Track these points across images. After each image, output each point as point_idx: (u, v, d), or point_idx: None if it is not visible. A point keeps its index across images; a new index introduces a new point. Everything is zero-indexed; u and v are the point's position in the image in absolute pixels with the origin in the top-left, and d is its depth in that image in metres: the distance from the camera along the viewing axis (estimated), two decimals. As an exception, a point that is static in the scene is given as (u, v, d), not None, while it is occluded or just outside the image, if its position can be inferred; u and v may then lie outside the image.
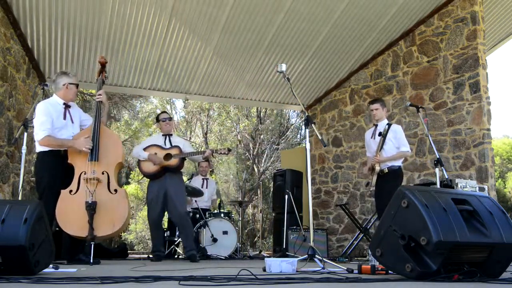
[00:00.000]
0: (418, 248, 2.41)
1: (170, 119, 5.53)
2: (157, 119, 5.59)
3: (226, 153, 5.35)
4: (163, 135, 5.43)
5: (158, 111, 17.54)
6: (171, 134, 5.47)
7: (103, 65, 4.66)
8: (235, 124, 16.42)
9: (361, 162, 5.75)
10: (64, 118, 4.38)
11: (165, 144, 5.33)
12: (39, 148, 4.31)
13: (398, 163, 5.08)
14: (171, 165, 5.20)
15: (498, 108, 42.05)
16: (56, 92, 4.43)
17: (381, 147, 5.03)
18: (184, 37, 6.83)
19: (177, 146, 5.30)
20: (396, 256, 2.50)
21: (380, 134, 5.03)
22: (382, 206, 4.97)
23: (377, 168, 5.00)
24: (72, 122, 4.45)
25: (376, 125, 5.26)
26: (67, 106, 4.44)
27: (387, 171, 4.98)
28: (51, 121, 4.24)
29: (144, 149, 5.28)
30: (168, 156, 5.22)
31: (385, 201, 4.90)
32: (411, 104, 5.07)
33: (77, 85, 4.56)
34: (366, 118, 7.67)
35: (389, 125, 5.17)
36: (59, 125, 4.31)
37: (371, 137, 5.26)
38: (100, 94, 4.51)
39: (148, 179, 5.41)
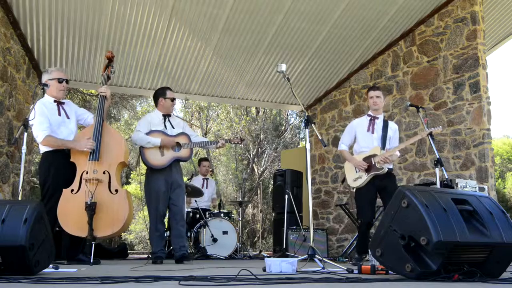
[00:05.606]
0: (418, 248, 2.41)
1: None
2: (163, 95, 4.88)
3: (240, 142, 5.04)
4: (163, 115, 4.87)
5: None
6: (170, 115, 4.94)
7: (109, 59, 4.61)
8: (234, 124, 16.42)
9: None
10: (59, 114, 4.36)
11: (165, 128, 4.81)
12: (43, 149, 4.30)
13: (391, 165, 4.84)
14: (182, 157, 4.78)
15: (498, 108, 42.02)
16: (46, 92, 4.43)
17: (385, 144, 4.71)
18: (184, 37, 6.83)
19: (185, 134, 4.83)
20: (396, 256, 2.50)
21: (429, 133, 4.52)
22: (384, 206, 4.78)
23: (385, 167, 4.58)
24: (68, 118, 4.43)
25: (373, 117, 4.82)
26: (59, 103, 4.42)
27: (385, 171, 4.65)
28: (48, 120, 4.24)
29: (147, 134, 4.70)
30: (176, 145, 4.76)
31: (389, 199, 4.74)
32: (411, 104, 4.95)
33: (59, 80, 4.37)
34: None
35: (386, 121, 4.88)
36: (56, 123, 4.30)
37: (368, 131, 4.79)
38: (104, 90, 4.46)
39: (149, 169, 4.81)
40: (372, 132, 4.79)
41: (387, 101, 7.21)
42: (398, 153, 4.90)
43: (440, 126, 4.73)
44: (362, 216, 4.76)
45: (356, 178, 4.75)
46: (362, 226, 4.75)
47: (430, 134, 4.55)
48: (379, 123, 4.81)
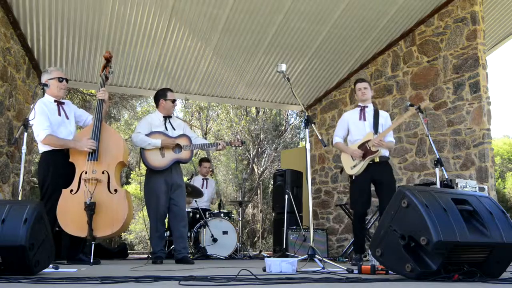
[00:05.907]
0: (418, 248, 2.41)
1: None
2: (164, 96, 4.89)
3: (240, 145, 5.01)
4: (163, 116, 4.88)
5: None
6: (171, 116, 4.93)
7: (107, 59, 4.61)
8: (234, 124, 16.42)
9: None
10: (59, 114, 4.37)
11: (166, 129, 4.80)
12: (42, 149, 4.30)
13: (387, 153, 4.89)
14: (183, 159, 4.77)
15: (498, 108, 42.05)
16: (46, 91, 4.43)
17: (377, 129, 4.79)
18: (184, 37, 6.83)
19: (186, 135, 4.81)
20: (396, 256, 2.50)
21: (417, 108, 4.61)
22: (384, 199, 4.59)
23: (379, 151, 4.65)
24: (68, 118, 4.44)
25: (362, 107, 4.94)
26: (59, 103, 4.42)
27: (377, 160, 4.72)
28: (48, 119, 4.24)
29: (147, 136, 4.70)
30: (177, 147, 4.75)
31: (384, 193, 4.60)
32: (411, 104, 4.98)
33: (59, 79, 4.37)
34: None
35: (377, 110, 4.99)
36: (56, 122, 4.31)
37: (360, 119, 4.90)
38: (101, 93, 4.46)
39: (149, 170, 4.81)
40: (364, 120, 4.91)
41: (374, 99, 7.22)
42: (393, 140, 4.97)
43: (427, 99, 4.77)
44: (355, 206, 4.83)
45: (353, 165, 4.82)
46: (355, 219, 4.83)
47: (419, 108, 4.64)
48: (369, 111, 4.94)
